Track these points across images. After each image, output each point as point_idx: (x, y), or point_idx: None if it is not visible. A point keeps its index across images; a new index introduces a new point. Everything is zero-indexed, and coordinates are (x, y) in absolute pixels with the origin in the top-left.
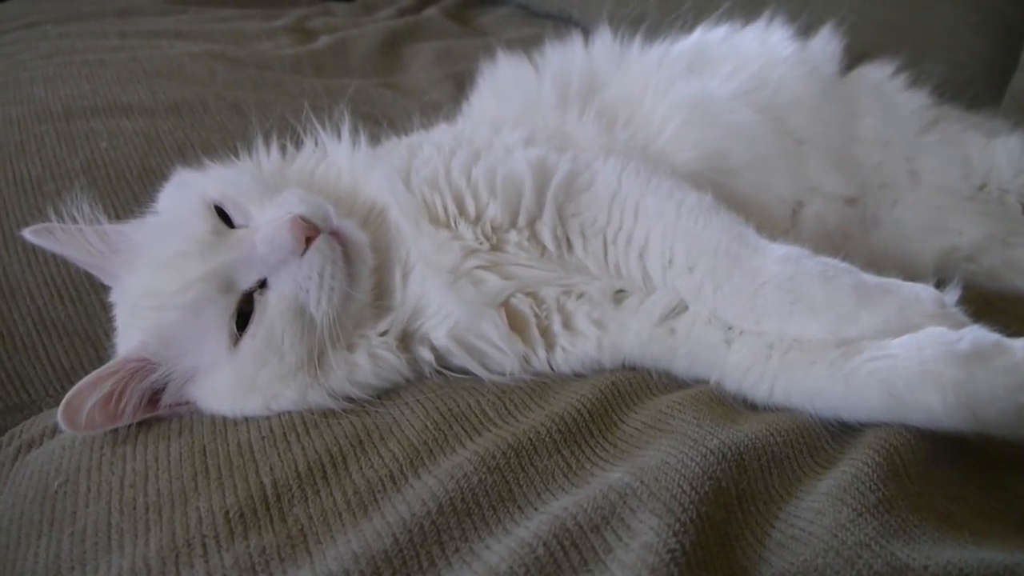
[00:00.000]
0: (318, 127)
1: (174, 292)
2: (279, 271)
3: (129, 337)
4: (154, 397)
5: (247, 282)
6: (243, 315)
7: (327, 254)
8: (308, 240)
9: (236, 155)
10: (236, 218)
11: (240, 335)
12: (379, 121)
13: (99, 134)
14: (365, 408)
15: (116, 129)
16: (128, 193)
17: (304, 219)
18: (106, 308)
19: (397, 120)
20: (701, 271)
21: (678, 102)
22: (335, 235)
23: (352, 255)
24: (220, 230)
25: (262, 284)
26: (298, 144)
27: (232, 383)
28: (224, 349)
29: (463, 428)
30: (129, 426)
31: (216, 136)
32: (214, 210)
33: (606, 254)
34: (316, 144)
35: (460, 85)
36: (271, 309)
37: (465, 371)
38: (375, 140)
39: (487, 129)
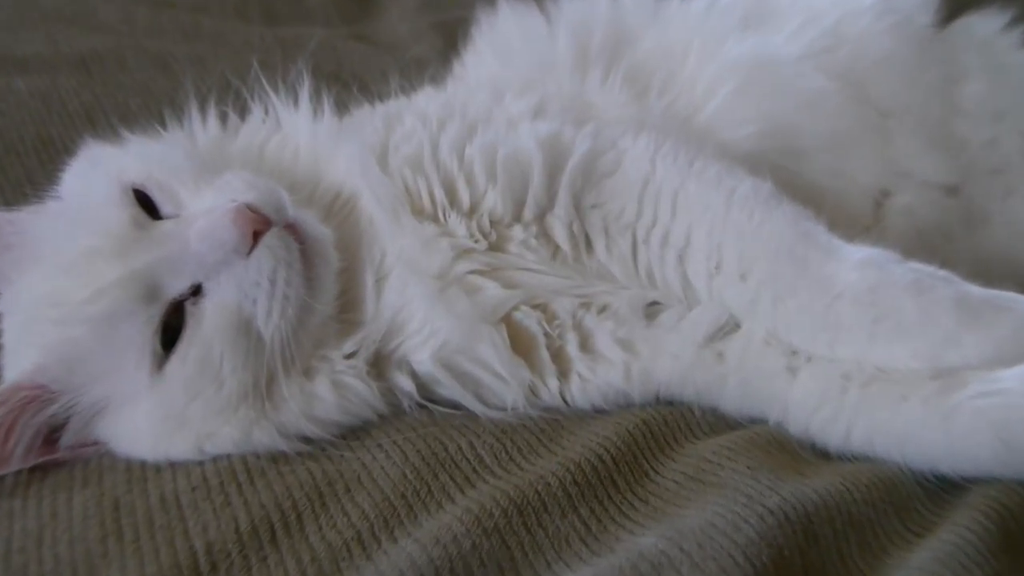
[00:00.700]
0: (269, 91)
1: (82, 301)
2: (218, 274)
3: (21, 357)
4: (52, 436)
5: (176, 288)
6: (170, 331)
7: (280, 254)
8: (256, 235)
9: (162, 125)
10: (163, 206)
11: (167, 356)
12: (347, 83)
13: None
14: (327, 451)
15: (4, 89)
16: (19, 170)
17: (252, 208)
18: None
19: (370, 82)
20: (757, 279)
21: (730, 64)
22: (290, 229)
23: (312, 255)
24: (142, 221)
25: (196, 291)
26: (243, 112)
27: (155, 418)
28: (145, 374)
29: (452, 478)
30: (19, 473)
31: (135, 100)
32: (134, 196)
33: (635, 256)
34: (266, 113)
35: (450, 38)
36: (207, 323)
37: (455, 405)
38: (342, 108)
39: (486, 96)
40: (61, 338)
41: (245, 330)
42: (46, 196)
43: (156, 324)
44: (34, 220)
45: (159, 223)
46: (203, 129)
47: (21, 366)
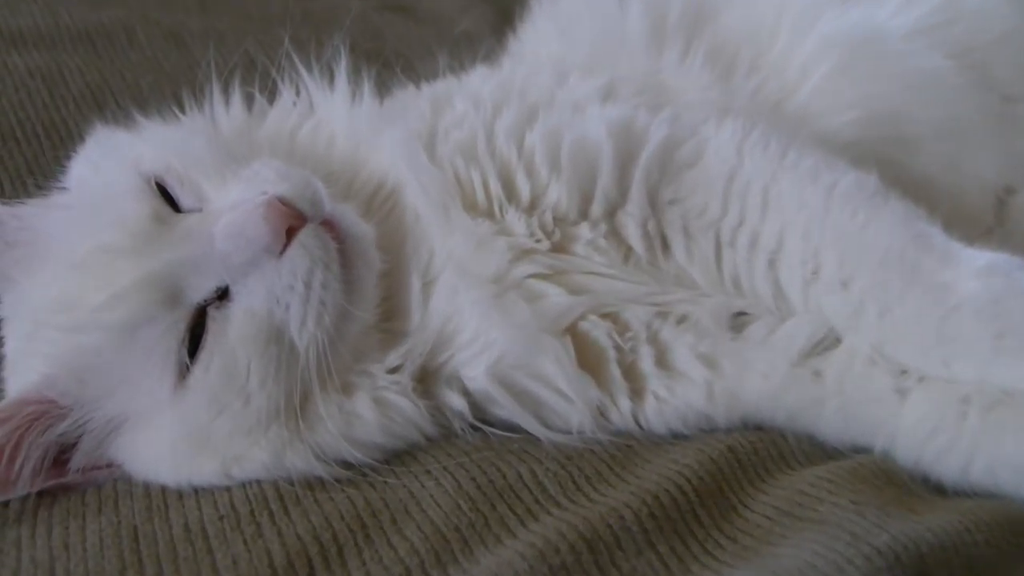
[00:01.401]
0: (301, 69)
1: (97, 305)
2: (247, 276)
3: (26, 368)
4: (62, 457)
5: (200, 292)
6: (193, 339)
7: (316, 253)
8: (289, 233)
9: (179, 108)
10: (184, 199)
11: (190, 367)
12: (388, 61)
13: None
14: (368, 477)
15: (0, 67)
16: (19, 159)
17: (284, 202)
18: None
19: (415, 60)
20: (861, 287)
21: (828, 41)
22: (327, 226)
23: (351, 256)
24: (163, 216)
25: (221, 295)
26: (271, 94)
27: (177, 438)
28: (167, 388)
29: (511, 509)
30: (26, 498)
31: (147, 79)
32: (155, 187)
33: (720, 260)
34: (298, 94)
35: (504, 12)
36: (233, 330)
37: (513, 427)
38: (384, 89)
39: (547, 76)
40: (72, 347)
41: (276, 339)
42: (51, 187)
43: (181, 332)
44: (40, 214)
45: (181, 217)
46: (226, 113)
47: (27, 378)
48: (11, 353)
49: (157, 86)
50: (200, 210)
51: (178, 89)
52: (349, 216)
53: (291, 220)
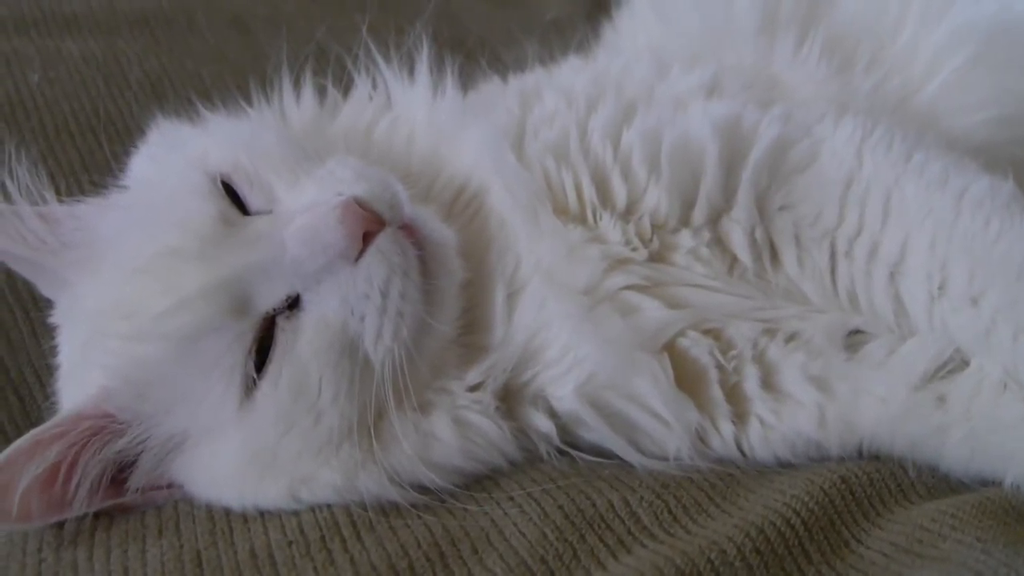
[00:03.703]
0: (378, 60)
1: (160, 313)
2: (319, 284)
3: (83, 380)
4: (119, 475)
5: (270, 300)
6: (261, 351)
7: (395, 260)
8: (366, 237)
9: (246, 100)
10: (253, 200)
11: (257, 381)
12: (472, 51)
13: (28, 61)
14: (447, 504)
15: (53, 54)
16: (73, 153)
17: (361, 204)
18: (40, 333)
19: (501, 49)
20: (993, 305)
21: (962, 31)
22: (406, 231)
23: (432, 263)
24: (231, 218)
25: (292, 304)
26: (345, 86)
27: (242, 457)
28: (233, 403)
29: (602, 540)
30: (82, 518)
31: (209, 68)
32: (221, 187)
33: (835, 272)
34: (374, 87)
35: None
36: (304, 342)
37: (604, 452)
38: (467, 82)
39: (646, 68)
40: (133, 357)
41: (350, 352)
42: (110, 184)
43: (249, 343)
44: (98, 213)
45: (250, 220)
46: (297, 107)
47: (83, 391)
48: (66, 362)
49: (219, 76)
50: (270, 212)
51: (242, 79)
52: (430, 221)
53: (368, 224)
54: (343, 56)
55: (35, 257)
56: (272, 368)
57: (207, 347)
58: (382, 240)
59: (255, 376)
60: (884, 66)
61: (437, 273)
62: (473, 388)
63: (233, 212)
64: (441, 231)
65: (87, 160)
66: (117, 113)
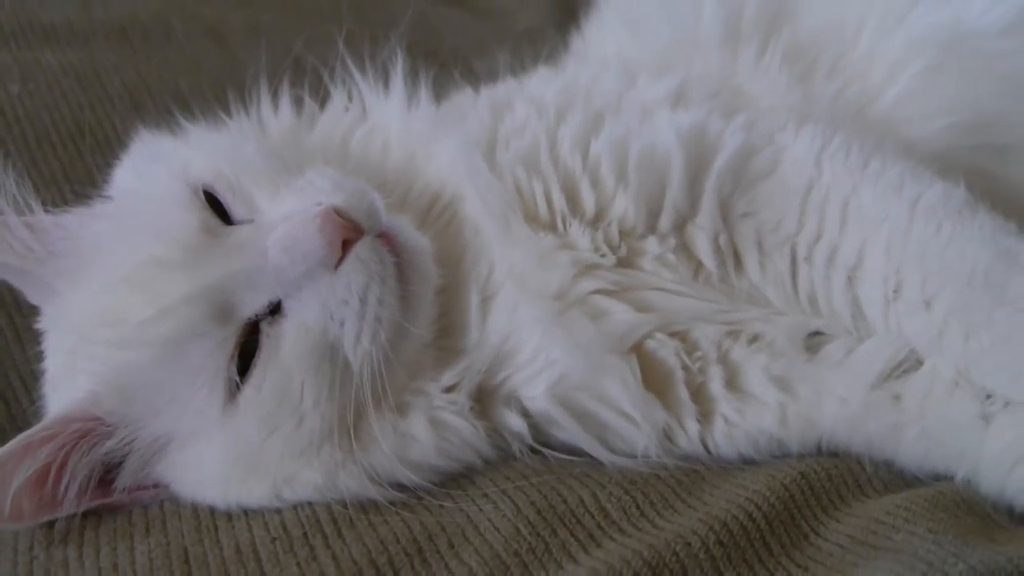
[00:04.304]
0: (354, 71)
1: (145, 320)
2: (300, 291)
3: (70, 384)
4: (107, 476)
5: (252, 306)
6: (244, 356)
7: (373, 268)
8: (345, 245)
9: (224, 111)
10: (236, 210)
11: (240, 385)
12: (446, 62)
13: (6, 71)
14: (424, 501)
15: (31, 64)
16: (54, 163)
17: (340, 213)
18: (25, 339)
19: (473, 58)
20: (945, 307)
21: (917, 39)
22: (384, 239)
23: (408, 270)
24: (213, 227)
25: (274, 310)
26: (322, 97)
27: (227, 458)
28: (217, 406)
29: (573, 535)
30: (72, 517)
31: (186, 79)
32: (203, 197)
33: (795, 276)
34: (350, 98)
35: (568, 7)
36: (286, 347)
37: (575, 450)
38: (440, 91)
39: (614, 78)
40: (118, 363)
41: (330, 356)
42: (90, 194)
43: (231, 348)
44: (83, 223)
45: (232, 230)
46: (275, 117)
47: (71, 395)
48: (53, 368)
49: (197, 86)
50: (251, 221)
51: (219, 89)
52: (406, 229)
53: (347, 232)
54: (319, 67)
55: (22, 265)
56: (256, 373)
57: (191, 353)
58: (360, 248)
59: (238, 381)
60: (844, 75)
61: (413, 279)
62: (448, 389)
63: (215, 222)
64: (417, 239)
65: (68, 170)
66: (97, 123)
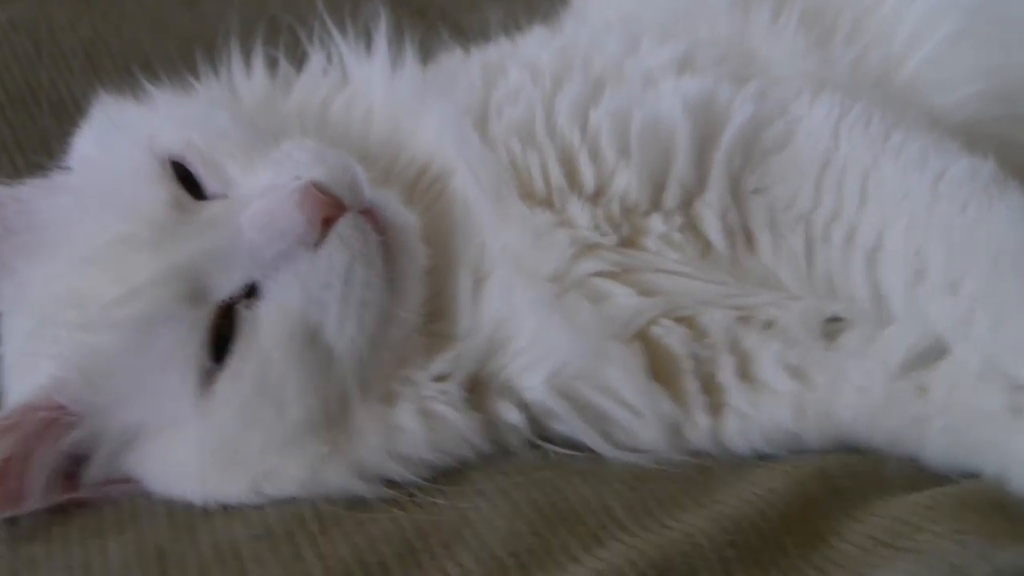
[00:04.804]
0: (333, 31)
1: (111, 301)
2: (278, 271)
3: (31, 369)
4: (74, 469)
5: (227, 287)
6: (220, 342)
7: (356, 246)
8: (326, 222)
9: (191, 72)
10: (209, 183)
11: (216, 372)
12: (433, 21)
13: None
14: (415, 497)
15: None
16: (3, 129)
17: (320, 188)
18: None
19: (462, 18)
20: (971, 292)
21: (944, 1)
22: (367, 215)
23: (394, 249)
24: (183, 202)
25: (250, 292)
26: (298, 59)
27: (202, 450)
28: (190, 395)
29: (574, 534)
30: (36, 514)
31: (149, 37)
32: (171, 169)
33: (811, 257)
34: (329, 60)
35: None
36: (265, 332)
37: (576, 444)
38: (427, 54)
39: (616, 41)
40: (83, 347)
41: (311, 341)
42: (47, 164)
43: (204, 332)
44: (42, 196)
45: (204, 204)
46: (248, 81)
47: (33, 380)
48: (12, 352)
49: (160, 44)
50: (225, 196)
51: (185, 48)
52: (391, 204)
53: (328, 209)
54: (295, 26)
55: None
56: (233, 360)
57: (161, 337)
58: (342, 225)
59: (211, 367)
60: (864, 38)
61: (400, 259)
62: (439, 379)
63: (185, 196)
64: (403, 215)
65: (20, 136)
66: (50, 83)
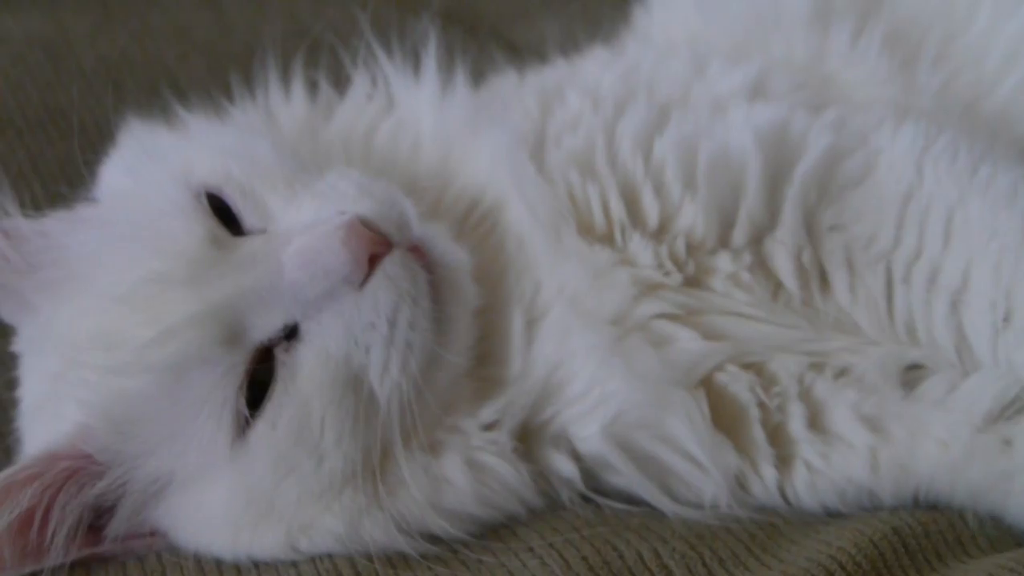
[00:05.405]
0: (378, 52)
1: (144, 343)
2: (320, 312)
3: (55, 415)
4: (98, 522)
5: (265, 329)
6: (255, 386)
7: (403, 286)
8: (372, 260)
9: (221, 91)
10: (247, 217)
11: (251, 419)
12: (486, 39)
13: None
14: (459, 554)
15: None
16: (21, 153)
17: (367, 224)
18: None
19: (516, 35)
20: None
21: None
22: (416, 252)
23: (443, 289)
24: (220, 238)
25: (290, 334)
26: (340, 82)
27: (235, 503)
28: (224, 443)
29: None
30: (58, 569)
31: (172, 50)
32: (207, 203)
33: (891, 300)
34: (374, 84)
35: None
36: (304, 376)
37: (633, 499)
38: (478, 74)
39: (682, 64)
40: (113, 392)
41: (352, 388)
42: (66, 192)
43: (240, 377)
44: (68, 230)
45: (242, 240)
46: (286, 105)
47: (57, 427)
48: (33, 396)
49: (186, 58)
50: (264, 231)
51: (213, 62)
52: (442, 241)
53: (375, 246)
54: (335, 45)
55: None
56: (270, 406)
57: (196, 381)
58: (389, 264)
59: (248, 414)
60: (953, 62)
61: (449, 300)
62: (488, 427)
63: (223, 232)
64: (454, 252)
65: (38, 162)
66: (69, 104)
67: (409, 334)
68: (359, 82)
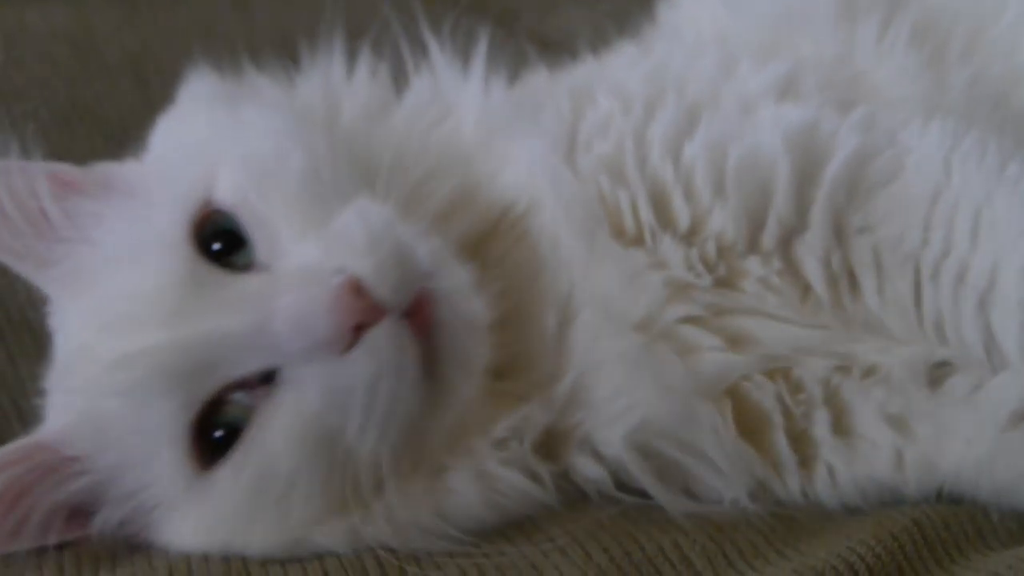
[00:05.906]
0: (435, 47)
1: (109, 363)
2: (300, 365)
3: (60, 406)
4: (82, 510)
5: (239, 369)
6: (232, 429)
7: (385, 357)
8: (358, 329)
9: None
10: (257, 247)
11: (221, 458)
12: (516, 35)
13: None
14: (480, 546)
15: (15, 29)
16: (45, 149)
17: (361, 289)
18: (16, 359)
19: (547, 31)
20: None
21: None
22: (418, 313)
23: (443, 353)
24: (203, 279)
25: (267, 377)
26: (399, 74)
27: (200, 537)
28: (183, 478)
29: None
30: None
31: (200, 43)
32: (216, 219)
33: (919, 299)
34: (433, 87)
35: None
36: (276, 425)
37: (650, 494)
38: (510, 70)
39: (711, 62)
40: (91, 406)
41: (326, 444)
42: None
43: (194, 413)
44: (97, 211)
45: (236, 279)
46: (349, 88)
47: (55, 418)
48: (55, 376)
49: (211, 54)
50: (269, 269)
51: (239, 59)
52: (456, 293)
53: (362, 315)
54: (394, 38)
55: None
56: (238, 450)
57: (154, 410)
58: (376, 333)
59: (203, 451)
60: (982, 54)
61: (450, 363)
62: (502, 442)
63: (210, 269)
64: (467, 308)
65: (62, 158)
66: (94, 99)
67: (389, 404)
68: (420, 83)
